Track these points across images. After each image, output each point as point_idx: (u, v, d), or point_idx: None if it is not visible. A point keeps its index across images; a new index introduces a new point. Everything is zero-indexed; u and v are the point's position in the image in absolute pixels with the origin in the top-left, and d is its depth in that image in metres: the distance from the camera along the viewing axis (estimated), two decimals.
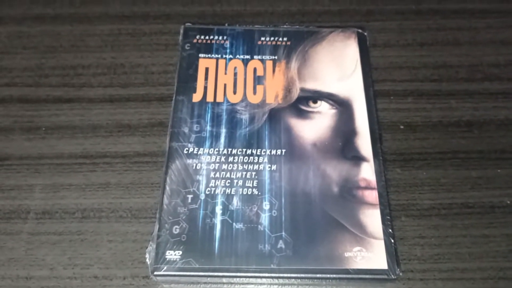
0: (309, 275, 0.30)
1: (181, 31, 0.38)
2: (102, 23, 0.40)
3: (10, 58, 0.38)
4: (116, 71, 0.38)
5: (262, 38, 0.38)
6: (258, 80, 0.37)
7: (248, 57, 0.38)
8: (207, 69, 0.37)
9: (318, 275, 0.30)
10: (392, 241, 0.30)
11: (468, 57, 0.38)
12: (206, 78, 0.36)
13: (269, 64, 0.37)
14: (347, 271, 0.29)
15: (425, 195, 0.33)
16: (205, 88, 0.36)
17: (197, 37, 0.38)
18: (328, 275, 0.30)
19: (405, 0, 0.41)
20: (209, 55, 0.37)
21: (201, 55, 0.37)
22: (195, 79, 0.36)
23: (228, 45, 0.38)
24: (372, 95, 0.36)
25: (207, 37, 0.38)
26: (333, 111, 0.35)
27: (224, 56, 0.38)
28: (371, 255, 0.30)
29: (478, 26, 0.40)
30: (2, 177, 0.34)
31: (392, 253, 0.30)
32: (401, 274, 0.30)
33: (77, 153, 0.34)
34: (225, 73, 0.37)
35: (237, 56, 0.38)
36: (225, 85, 0.36)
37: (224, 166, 0.33)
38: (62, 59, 0.38)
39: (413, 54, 0.38)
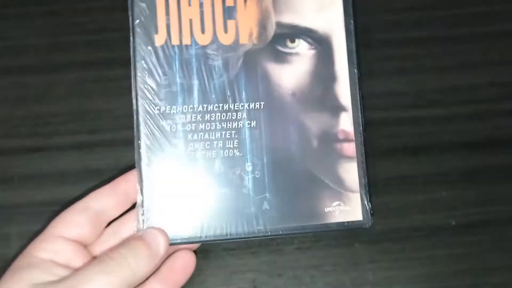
0: (294, 232, 0.31)
1: None
2: (68, 71, 0.42)
3: None
4: (83, 117, 0.40)
5: None
6: (228, 13, 0.32)
7: None
8: (167, 0, 0.32)
9: (302, 231, 0.31)
10: (367, 193, 0.32)
11: (413, 85, 0.41)
12: (167, 13, 0.32)
13: None
14: (327, 226, 0.31)
15: (376, 220, 0.35)
16: (168, 26, 0.32)
17: None
18: (311, 231, 0.32)
19: None
20: None
21: None
22: (154, 14, 0.31)
23: None
24: (352, 30, 0.33)
25: None
26: (312, 51, 0.33)
27: None
28: (349, 209, 0.32)
29: (422, 53, 0.42)
30: None
31: (367, 205, 0.32)
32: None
33: (48, 201, 0.37)
34: (189, 5, 0.32)
35: None
36: (190, 21, 0.32)
37: (201, 126, 0.31)
38: (31, 109, 0.40)
39: (361, 84, 0.41)
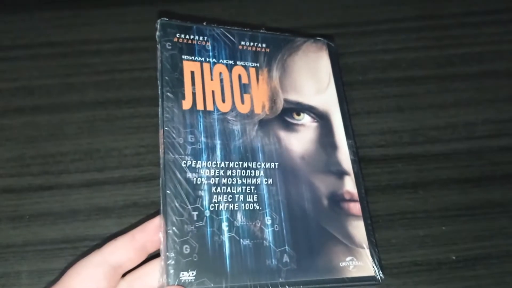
0: (314, 286, 0.32)
1: (158, 27, 0.38)
2: (78, 110, 0.44)
3: None
4: (92, 156, 0.41)
5: (242, 43, 0.39)
6: (244, 88, 0.37)
7: (231, 62, 0.38)
8: (192, 73, 0.37)
9: (322, 285, 0.32)
10: (376, 249, 0.34)
11: (411, 122, 0.42)
12: (193, 84, 0.36)
13: (253, 71, 0.38)
14: (343, 280, 0.32)
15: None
16: (194, 94, 0.36)
17: (177, 35, 0.38)
18: (329, 285, 0.32)
19: (352, 72, 0.45)
20: (193, 58, 0.37)
21: (184, 56, 0.37)
22: (182, 84, 0.36)
23: (210, 48, 0.38)
24: (346, 109, 0.38)
25: (187, 37, 0.38)
26: (315, 124, 0.37)
27: (207, 59, 0.38)
28: (361, 264, 0.33)
29: (418, 92, 0.44)
30: None
31: (377, 261, 0.33)
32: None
33: (58, 239, 0.37)
34: (211, 79, 0.37)
35: (221, 60, 0.38)
36: (213, 92, 0.36)
37: (224, 181, 0.34)
38: (42, 148, 0.42)
39: (361, 122, 0.42)
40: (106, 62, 0.46)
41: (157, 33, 0.38)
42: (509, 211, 0.38)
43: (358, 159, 0.37)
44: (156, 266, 0.31)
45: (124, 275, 0.32)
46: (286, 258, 0.32)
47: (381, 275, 0.33)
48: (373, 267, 0.33)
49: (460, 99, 0.44)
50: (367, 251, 0.33)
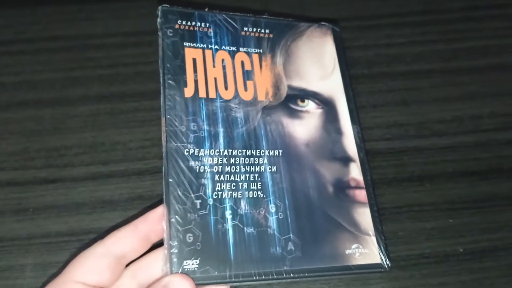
0: (319, 274, 0.31)
1: (159, 14, 0.37)
2: (82, 104, 0.43)
3: None
4: (97, 149, 0.41)
5: (245, 29, 0.39)
6: (247, 75, 0.37)
7: (234, 48, 0.38)
8: (194, 60, 0.36)
9: (327, 273, 0.32)
10: (383, 237, 0.33)
11: (416, 116, 0.42)
12: (195, 71, 0.36)
13: (256, 58, 0.38)
14: (349, 268, 0.32)
15: None
16: (196, 82, 0.35)
17: (179, 22, 0.37)
18: (334, 272, 0.32)
19: (357, 66, 0.45)
20: (195, 44, 0.37)
21: (186, 43, 0.37)
22: (183, 71, 0.35)
23: (212, 34, 0.38)
24: (351, 95, 0.38)
25: (189, 23, 0.37)
26: (320, 110, 0.37)
27: (210, 46, 0.37)
28: (367, 251, 0.33)
29: (423, 86, 0.44)
30: None
31: (383, 248, 0.33)
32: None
33: (63, 231, 0.37)
34: (214, 66, 0.37)
35: (223, 47, 0.37)
36: (215, 79, 0.36)
37: (227, 168, 0.33)
38: (46, 141, 0.41)
39: (367, 116, 0.42)
40: (110, 56, 0.45)
41: (158, 20, 0.37)
42: None
43: (364, 146, 0.36)
44: (159, 255, 0.31)
45: (127, 265, 0.32)
46: (290, 246, 0.32)
47: (388, 263, 0.32)
48: (380, 254, 0.32)
49: (465, 93, 0.43)
50: (373, 239, 0.33)
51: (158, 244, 0.32)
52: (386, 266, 0.32)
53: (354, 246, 0.33)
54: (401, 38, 0.46)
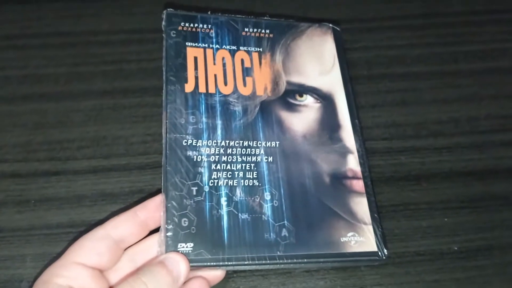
0: (313, 260, 0.32)
1: (164, 17, 0.40)
2: (85, 99, 0.44)
3: (1, 136, 0.42)
4: (99, 143, 0.42)
5: (246, 29, 0.40)
6: (246, 71, 0.38)
7: (234, 47, 0.39)
8: (195, 59, 0.38)
9: (321, 260, 0.32)
10: (379, 226, 0.34)
11: (414, 116, 0.43)
12: (196, 68, 0.38)
13: (255, 56, 0.39)
14: (344, 255, 0.33)
15: None
16: (196, 78, 0.37)
17: (182, 24, 0.39)
18: (329, 259, 0.33)
19: (357, 67, 0.46)
20: (196, 44, 0.39)
21: (188, 43, 0.39)
22: (185, 68, 0.37)
23: (213, 35, 0.39)
24: (350, 90, 0.39)
25: (191, 25, 0.39)
26: (318, 104, 0.38)
27: (211, 45, 0.39)
28: (363, 240, 0.33)
29: (422, 87, 0.44)
30: None
31: (380, 237, 0.33)
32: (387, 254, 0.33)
33: (64, 223, 0.38)
34: (214, 64, 0.38)
35: (224, 46, 0.39)
36: (215, 75, 0.38)
37: (224, 158, 0.35)
38: (49, 134, 0.42)
39: (366, 115, 0.43)
40: (114, 53, 0.46)
41: (163, 23, 0.39)
42: (511, 204, 0.39)
43: (363, 138, 0.37)
44: (156, 240, 0.32)
45: (126, 250, 0.33)
46: (284, 232, 0.33)
47: (384, 251, 0.33)
48: (376, 243, 0.33)
49: (463, 95, 0.44)
50: (370, 227, 0.34)
51: (156, 231, 0.33)
52: (382, 254, 0.33)
53: (349, 234, 0.33)
54: (401, 40, 0.47)
